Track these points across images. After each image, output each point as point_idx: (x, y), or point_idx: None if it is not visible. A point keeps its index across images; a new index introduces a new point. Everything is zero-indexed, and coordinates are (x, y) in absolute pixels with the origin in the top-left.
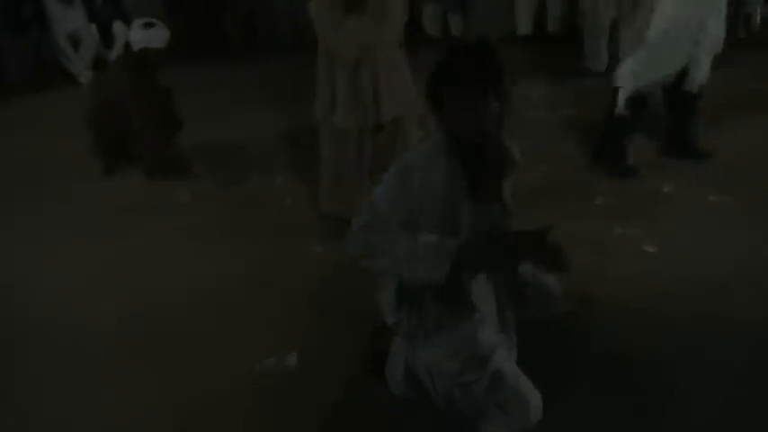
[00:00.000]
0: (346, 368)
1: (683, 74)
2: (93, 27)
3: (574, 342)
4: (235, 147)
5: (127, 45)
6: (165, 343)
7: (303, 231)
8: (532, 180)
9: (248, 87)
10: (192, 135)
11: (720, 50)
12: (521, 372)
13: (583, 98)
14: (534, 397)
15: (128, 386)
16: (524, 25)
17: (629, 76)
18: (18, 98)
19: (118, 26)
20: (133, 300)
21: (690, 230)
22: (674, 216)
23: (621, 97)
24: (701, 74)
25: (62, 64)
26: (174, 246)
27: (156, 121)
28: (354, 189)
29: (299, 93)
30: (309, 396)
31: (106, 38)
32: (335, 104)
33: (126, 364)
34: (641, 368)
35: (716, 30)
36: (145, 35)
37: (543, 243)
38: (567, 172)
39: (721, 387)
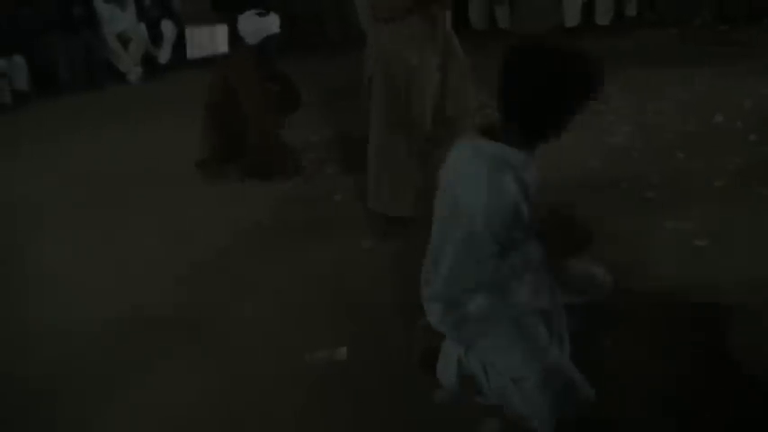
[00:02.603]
0: (397, 363)
1: None
2: (142, 26)
3: (626, 337)
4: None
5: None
6: (218, 332)
7: (353, 227)
8: (582, 173)
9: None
10: None
11: None
12: (574, 367)
13: (633, 91)
14: (587, 392)
15: (182, 374)
16: (572, 17)
17: None
18: (70, 96)
19: (166, 25)
20: (189, 290)
21: (741, 225)
22: (726, 210)
23: None
24: None
25: (112, 62)
26: (225, 240)
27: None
28: (403, 188)
29: (345, 88)
30: (359, 390)
31: (155, 36)
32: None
33: (181, 352)
34: (693, 363)
35: None
36: (262, 23)
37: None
38: (617, 165)
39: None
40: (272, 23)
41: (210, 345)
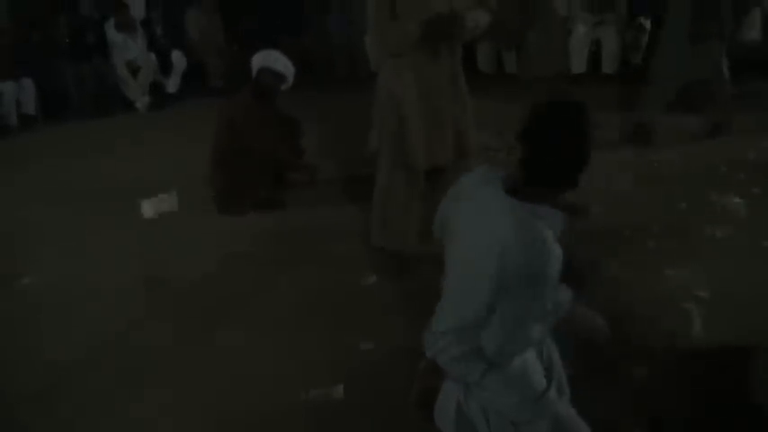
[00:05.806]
0: (394, 404)
1: None
2: (152, 55)
3: (623, 384)
4: None
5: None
6: (214, 366)
7: (355, 263)
8: (585, 220)
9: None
10: None
11: None
12: (575, 413)
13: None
14: None
15: (176, 406)
16: (578, 64)
17: None
18: (76, 122)
19: (176, 55)
20: (178, 318)
21: (743, 277)
22: (728, 261)
23: None
24: None
25: (120, 90)
26: (228, 272)
27: (276, 150)
28: (404, 226)
29: (354, 123)
30: (354, 430)
31: (165, 66)
32: (402, 142)
33: (176, 384)
34: (691, 411)
35: None
36: (266, 55)
37: None
38: (619, 212)
39: None
40: (277, 59)
41: (201, 376)
